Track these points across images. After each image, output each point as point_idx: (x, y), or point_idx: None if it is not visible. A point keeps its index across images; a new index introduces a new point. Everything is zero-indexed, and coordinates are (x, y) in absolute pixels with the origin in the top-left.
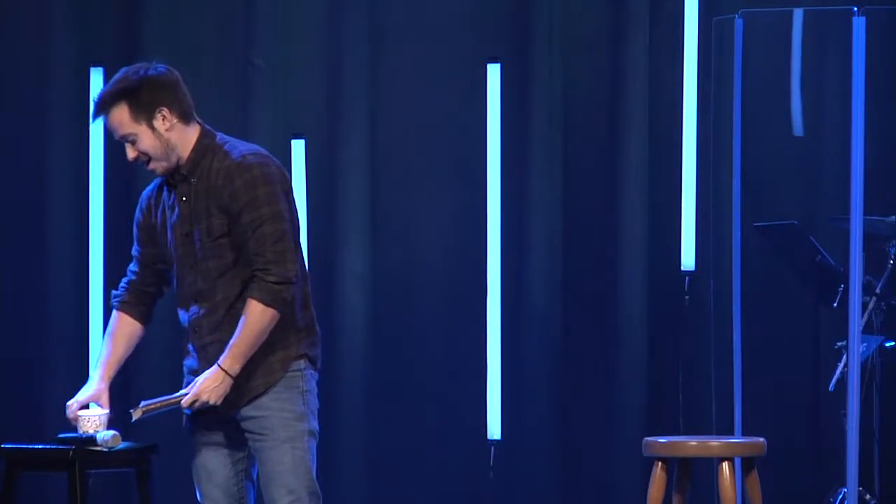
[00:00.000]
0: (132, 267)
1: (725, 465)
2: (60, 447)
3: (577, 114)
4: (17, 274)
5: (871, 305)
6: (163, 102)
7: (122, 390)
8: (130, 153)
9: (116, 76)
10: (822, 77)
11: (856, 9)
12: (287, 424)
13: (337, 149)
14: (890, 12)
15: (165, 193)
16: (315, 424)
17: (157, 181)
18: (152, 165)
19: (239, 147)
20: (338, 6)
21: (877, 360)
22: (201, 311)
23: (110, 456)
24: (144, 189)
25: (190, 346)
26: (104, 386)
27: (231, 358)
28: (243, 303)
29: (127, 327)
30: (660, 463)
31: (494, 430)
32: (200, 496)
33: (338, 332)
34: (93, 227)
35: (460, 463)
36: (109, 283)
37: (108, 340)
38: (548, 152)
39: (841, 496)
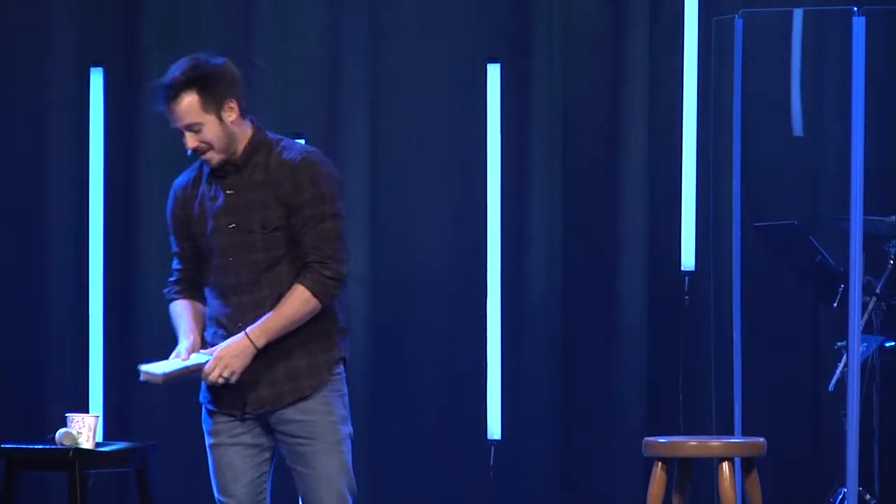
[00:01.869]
0: (176, 265)
1: (725, 465)
2: (61, 447)
3: (577, 114)
4: (17, 274)
5: (871, 305)
6: (231, 94)
7: (122, 391)
8: (191, 142)
9: (184, 64)
10: (822, 77)
11: (856, 9)
12: (334, 428)
13: (337, 149)
14: (890, 12)
15: (205, 185)
16: (351, 427)
17: (190, 173)
18: (209, 155)
19: (296, 145)
20: (338, 6)
21: (877, 360)
22: (244, 304)
23: (110, 456)
24: (176, 180)
25: (222, 334)
26: (197, 339)
27: (261, 330)
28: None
29: (191, 307)
30: (660, 463)
31: (494, 430)
32: (221, 495)
33: None
34: (93, 227)
35: (460, 463)
36: (109, 283)
37: (180, 317)
38: (548, 152)
39: (841, 496)
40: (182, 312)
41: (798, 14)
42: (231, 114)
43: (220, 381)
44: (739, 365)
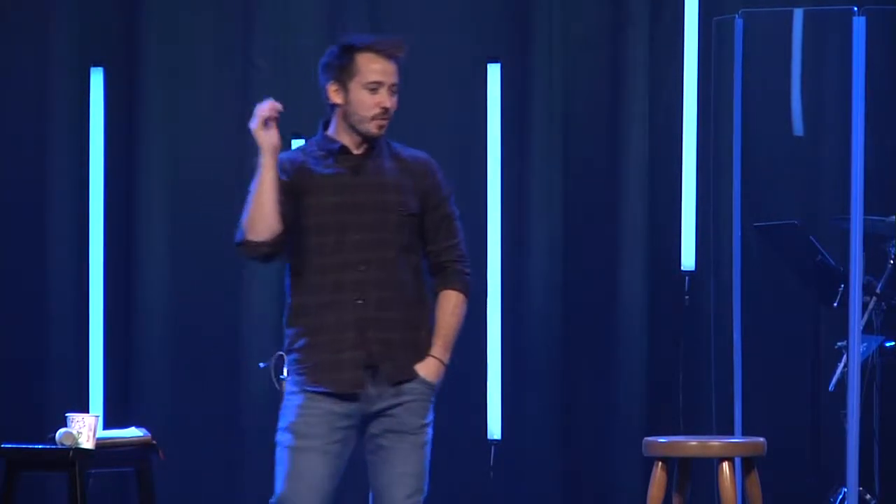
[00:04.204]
0: None
1: (725, 465)
2: (61, 447)
3: (577, 114)
4: (17, 274)
5: (871, 305)
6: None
7: (120, 391)
8: (388, 101)
9: (393, 37)
10: (822, 77)
11: (856, 9)
12: (426, 425)
13: None
14: (890, 12)
15: (319, 162)
16: None
17: (290, 153)
18: (385, 121)
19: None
20: (338, 6)
21: (877, 360)
22: (369, 279)
23: (110, 456)
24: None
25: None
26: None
27: (444, 348)
28: (412, 285)
29: None
30: (660, 463)
31: (494, 430)
32: (291, 493)
33: None
34: (93, 227)
35: (460, 463)
36: (109, 283)
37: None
38: (548, 152)
39: (841, 496)
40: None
41: (798, 14)
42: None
43: None
44: (739, 365)
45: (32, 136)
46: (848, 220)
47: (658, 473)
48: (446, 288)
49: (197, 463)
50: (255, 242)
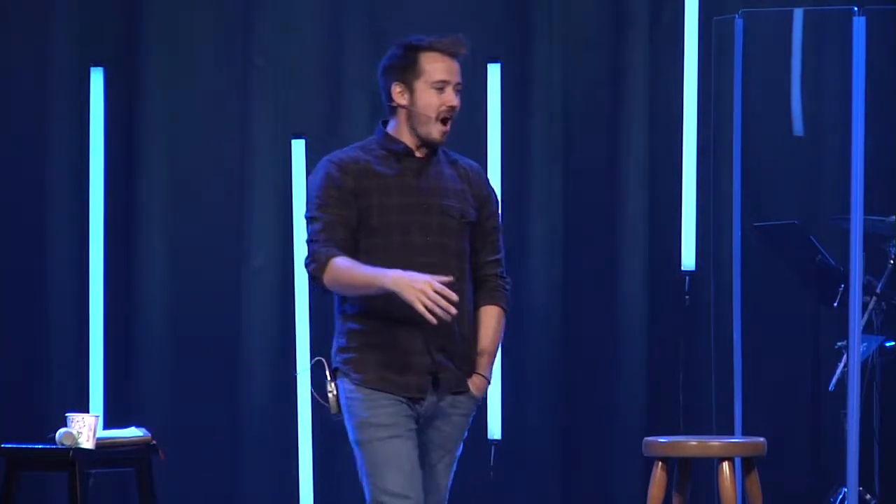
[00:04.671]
0: (337, 233)
1: (725, 465)
2: (61, 447)
3: (577, 114)
4: (17, 274)
5: (871, 305)
6: None
7: (120, 391)
8: (454, 100)
9: (455, 35)
10: (822, 77)
11: (856, 9)
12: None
13: (337, 149)
14: (890, 12)
15: (381, 161)
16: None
17: (350, 152)
18: (447, 127)
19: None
20: (338, 6)
21: (877, 360)
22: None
23: (110, 456)
24: (337, 157)
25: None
26: None
27: (490, 366)
28: (467, 294)
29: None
30: (660, 463)
31: (494, 430)
32: (392, 483)
33: None
34: (93, 227)
35: (460, 463)
36: (109, 283)
37: (358, 265)
38: (548, 152)
39: (841, 496)
40: (355, 262)
41: (798, 14)
42: None
43: None
44: (739, 365)
45: (32, 136)
46: (848, 219)
47: (658, 473)
48: (491, 303)
49: (197, 463)
50: (327, 290)
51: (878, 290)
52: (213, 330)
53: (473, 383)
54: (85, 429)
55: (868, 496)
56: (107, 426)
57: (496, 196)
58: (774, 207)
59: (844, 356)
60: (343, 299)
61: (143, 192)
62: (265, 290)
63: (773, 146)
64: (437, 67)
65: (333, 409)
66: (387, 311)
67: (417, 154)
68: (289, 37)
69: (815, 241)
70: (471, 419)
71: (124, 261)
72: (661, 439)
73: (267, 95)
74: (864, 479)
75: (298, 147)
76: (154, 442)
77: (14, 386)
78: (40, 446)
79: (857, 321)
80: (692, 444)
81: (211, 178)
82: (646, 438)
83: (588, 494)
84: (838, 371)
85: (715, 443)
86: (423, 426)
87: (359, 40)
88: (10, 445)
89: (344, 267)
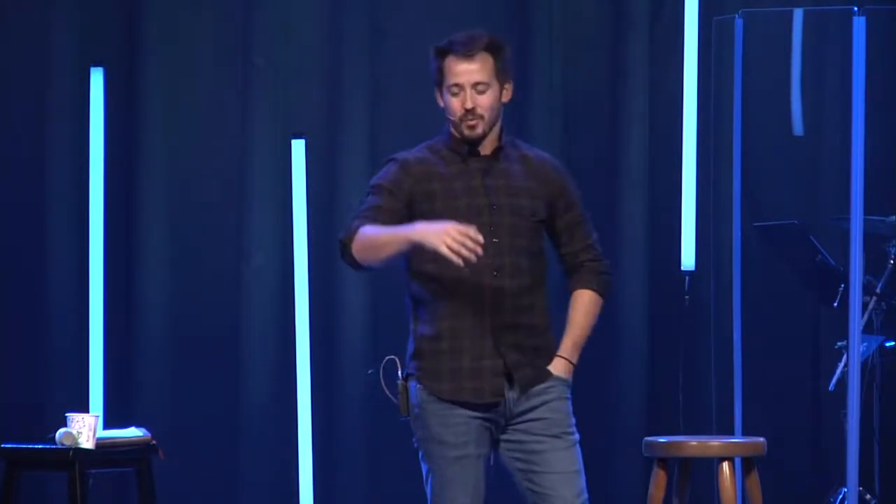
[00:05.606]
0: (379, 217)
1: (725, 465)
2: (61, 447)
3: (577, 114)
4: (17, 274)
5: (871, 305)
6: (512, 78)
7: (120, 391)
8: (469, 102)
9: (481, 32)
10: (822, 77)
11: (856, 9)
12: (573, 425)
13: (337, 149)
14: (890, 12)
15: (447, 162)
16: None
17: (418, 152)
18: (475, 122)
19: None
20: (338, 6)
21: (877, 360)
22: (505, 287)
23: (110, 456)
24: (402, 155)
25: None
26: None
27: (574, 349)
28: (540, 292)
29: None
30: (660, 463)
31: None
32: None
33: (338, 332)
34: (93, 227)
35: None
36: (109, 283)
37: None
38: (547, 152)
39: (841, 496)
40: (383, 226)
41: (798, 14)
42: (506, 94)
43: None
44: (739, 365)
45: (33, 136)
46: (848, 219)
47: (658, 473)
48: (581, 287)
49: (197, 463)
50: (357, 264)
51: (878, 290)
52: (213, 330)
53: (555, 367)
54: (85, 429)
55: (868, 496)
56: (107, 426)
57: (573, 185)
58: (774, 207)
59: (844, 356)
60: (415, 304)
61: (143, 191)
62: (265, 290)
63: (773, 146)
64: (451, 71)
65: (403, 411)
66: (455, 315)
67: (484, 153)
68: (289, 37)
69: (815, 241)
70: (569, 403)
71: (124, 261)
72: (661, 439)
73: (267, 95)
74: (864, 479)
75: (298, 147)
76: (154, 442)
77: (14, 386)
78: (40, 446)
79: (857, 321)
80: (692, 445)
81: (211, 178)
82: (646, 438)
83: (588, 494)
84: (838, 371)
85: (715, 443)
86: (509, 424)
87: (359, 40)
88: (10, 445)
89: (371, 230)
